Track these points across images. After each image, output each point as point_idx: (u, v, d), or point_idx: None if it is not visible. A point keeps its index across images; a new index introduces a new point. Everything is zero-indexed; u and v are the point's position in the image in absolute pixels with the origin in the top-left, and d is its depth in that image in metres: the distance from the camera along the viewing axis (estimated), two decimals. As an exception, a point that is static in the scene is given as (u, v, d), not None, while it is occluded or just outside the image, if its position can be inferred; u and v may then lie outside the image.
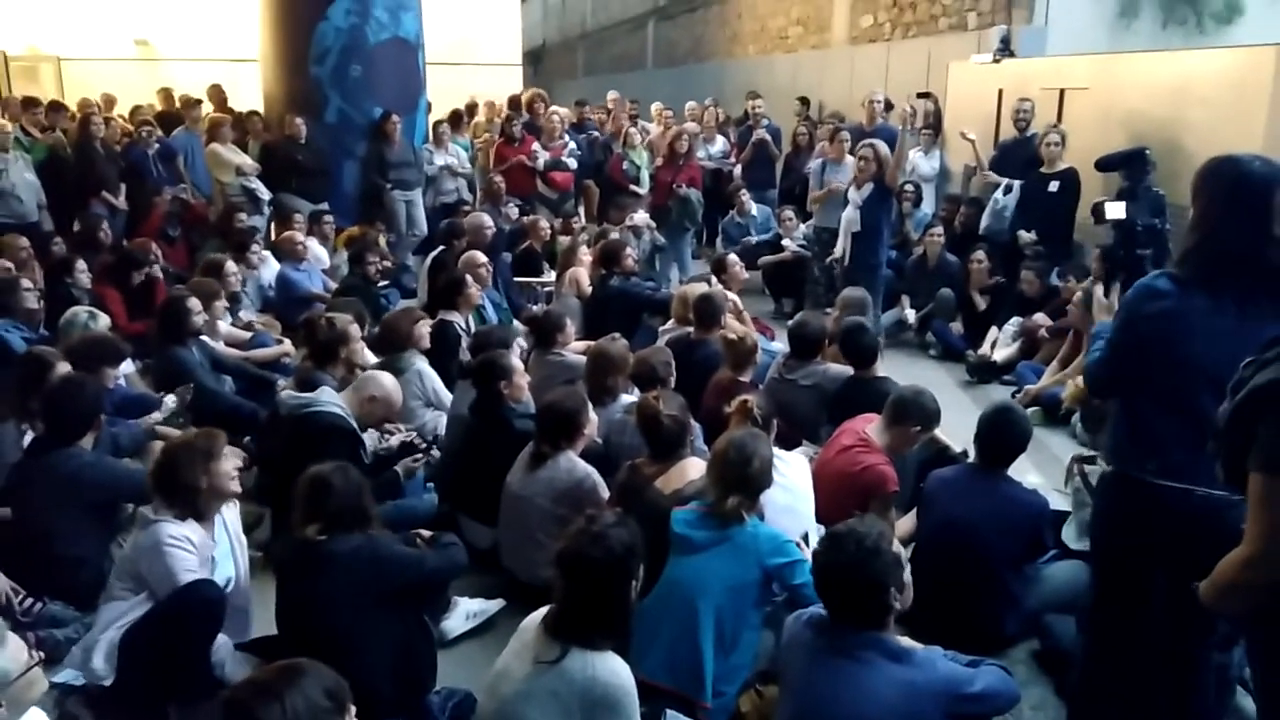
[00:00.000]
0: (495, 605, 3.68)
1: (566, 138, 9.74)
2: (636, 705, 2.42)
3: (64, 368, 4.12)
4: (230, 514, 3.33)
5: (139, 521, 3.12)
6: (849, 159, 7.24)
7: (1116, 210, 4.05)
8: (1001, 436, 3.49)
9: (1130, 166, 4.59)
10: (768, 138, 10.16)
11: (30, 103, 9.74)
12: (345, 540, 2.85)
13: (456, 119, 10.55)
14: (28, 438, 3.88)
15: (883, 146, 6.48)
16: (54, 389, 3.78)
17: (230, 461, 3.18)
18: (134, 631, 2.95)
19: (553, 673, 2.36)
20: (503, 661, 2.53)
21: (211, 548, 3.13)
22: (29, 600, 3.43)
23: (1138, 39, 8.76)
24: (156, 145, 8.90)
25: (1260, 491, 1.80)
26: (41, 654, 2.18)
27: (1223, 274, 2.39)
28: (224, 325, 6.01)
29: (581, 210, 10.26)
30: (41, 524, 3.51)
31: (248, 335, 6.17)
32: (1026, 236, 7.10)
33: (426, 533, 3.41)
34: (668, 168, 8.77)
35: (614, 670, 2.38)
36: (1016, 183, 7.36)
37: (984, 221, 7.71)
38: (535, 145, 9.47)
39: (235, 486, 3.25)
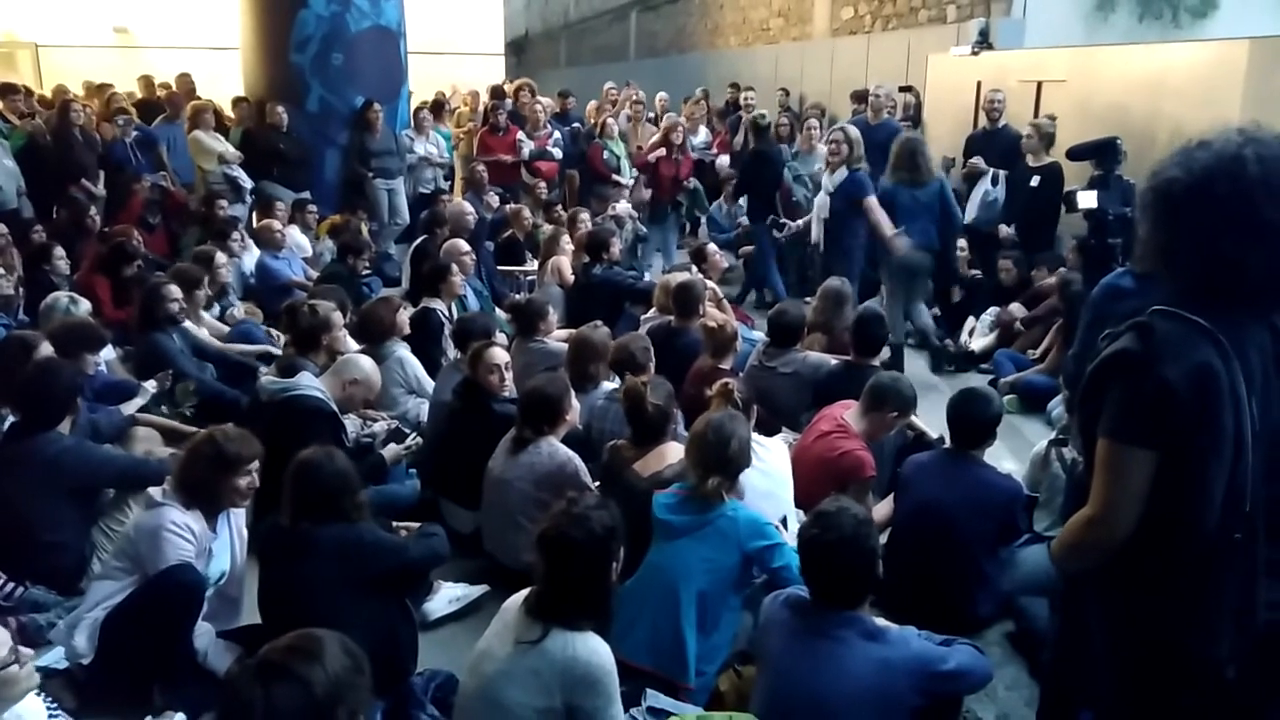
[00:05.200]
0: (478, 590, 3.69)
1: (550, 127, 9.73)
2: (616, 684, 2.44)
3: (46, 349, 4.11)
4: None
5: (146, 502, 3.12)
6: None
7: (1088, 199, 4.13)
8: (970, 416, 3.54)
9: (1101, 156, 4.63)
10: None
11: (8, 89, 9.65)
12: (329, 526, 2.87)
13: (439, 106, 10.51)
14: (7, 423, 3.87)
15: (853, 131, 6.52)
16: (30, 374, 3.77)
17: (252, 476, 3.18)
18: (115, 613, 2.97)
19: (534, 652, 2.38)
20: (484, 641, 2.55)
21: (211, 539, 3.15)
22: (10, 585, 3.44)
23: (1114, 32, 8.84)
24: (135, 133, 8.83)
25: (1104, 456, 1.89)
26: (18, 655, 2.15)
27: None
28: (206, 316, 5.99)
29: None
30: (22, 509, 3.51)
31: (226, 329, 6.12)
32: (1006, 231, 7.16)
33: (413, 525, 3.44)
34: (668, 160, 8.54)
35: (594, 650, 2.40)
36: (1003, 173, 7.39)
37: (973, 213, 7.71)
38: (520, 135, 9.44)
39: (247, 501, 3.26)
